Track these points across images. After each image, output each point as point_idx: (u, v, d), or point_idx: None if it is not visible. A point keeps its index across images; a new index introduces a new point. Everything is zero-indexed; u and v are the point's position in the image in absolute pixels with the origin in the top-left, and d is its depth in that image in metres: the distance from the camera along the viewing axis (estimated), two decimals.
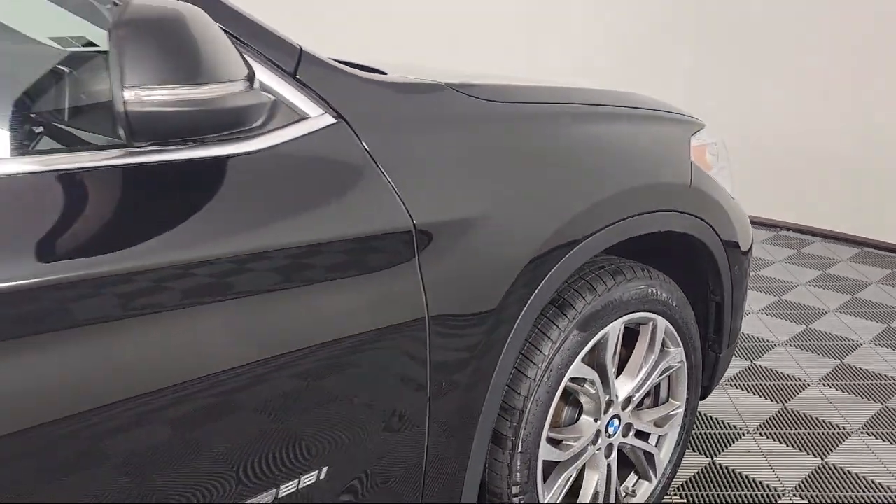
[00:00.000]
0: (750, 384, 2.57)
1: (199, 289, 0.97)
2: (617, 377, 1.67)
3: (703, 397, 2.01)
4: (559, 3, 4.83)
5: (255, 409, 1.04)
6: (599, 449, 1.67)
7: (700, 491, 2.01)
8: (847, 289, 3.41)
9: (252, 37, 1.04)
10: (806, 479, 2.05)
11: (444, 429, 1.31)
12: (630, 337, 1.70)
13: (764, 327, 3.01)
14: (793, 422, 2.33)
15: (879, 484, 2.03)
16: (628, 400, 1.70)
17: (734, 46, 4.27)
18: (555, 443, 1.57)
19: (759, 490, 2.01)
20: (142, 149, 0.94)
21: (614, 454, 1.72)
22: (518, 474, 1.49)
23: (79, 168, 0.93)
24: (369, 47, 3.54)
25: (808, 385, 2.56)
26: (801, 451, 2.18)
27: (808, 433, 2.27)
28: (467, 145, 1.32)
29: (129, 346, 0.90)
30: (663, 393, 1.84)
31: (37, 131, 1.30)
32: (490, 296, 1.31)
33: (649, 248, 1.75)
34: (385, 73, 1.34)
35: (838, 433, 2.27)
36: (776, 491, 2.01)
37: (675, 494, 2.00)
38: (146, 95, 0.83)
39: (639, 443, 1.77)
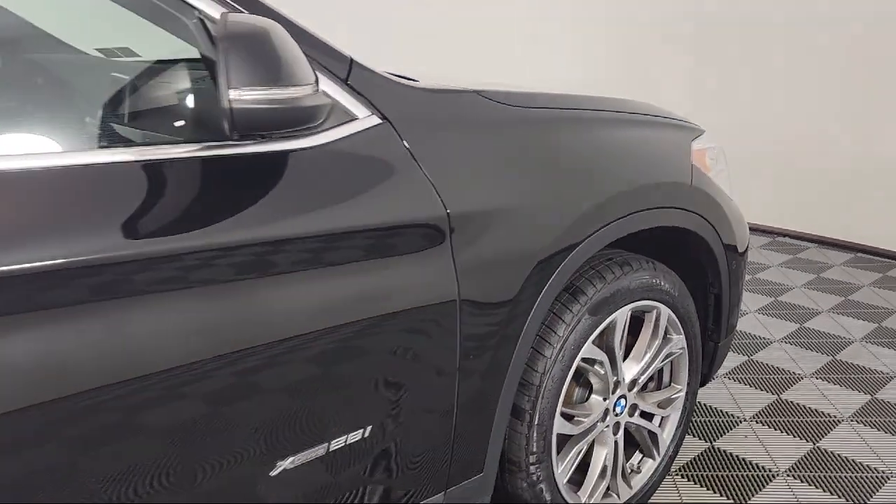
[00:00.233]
0: (747, 377, 2.72)
1: (268, 263, 1.13)
2: (624, 361, 1.82)
3: (702, 384, 2.15)
4: (562, 13, 5.00)
5: (314, 374, 1.20)
6: (608, 426, 1.82)
7: (700, 471, 2.16)
8: (840, 291, 3.56)
9: (312, 47, 1.20)
10: (798, 461, 2.20)
11: (471, 401, 1.46)
12: (636, 325, 1.86)
13: (761, 326, 3.16)
14: (787, 411, 2.48)
15: (867, 466, 2.17)
16: (634, 382, 1.85)
17: (732, 56, 4.45)
18: (568, 418, 1.72)
19: (754, 471, 2.16)
20: (223, 143, 1.10)
21: (621, 432, 1.87)
22: (535, 445, 1.64)
23: (169, 158, 1.09)
24: (368, 54, 3.69)
25: (802, 378, 2.71)
26: (794, 436, 2.33)
27: (801, 421, 2.42)
28: (492, 145, 1.48)
29: (219, 309, 1.06)
30: (666, 377, 2.00)
31: (107, 130, 1.47)
32: (512, 281, 1.47)
33: (653, 244, 1.90)
34: (417, 81, 1.50)
35: (829, 421, 2.42)
36: (770, 471, 2.16)
37: (677, 474, 2.14)
38: (245, 95, 1.00)
39: (643, 422, 1.92)
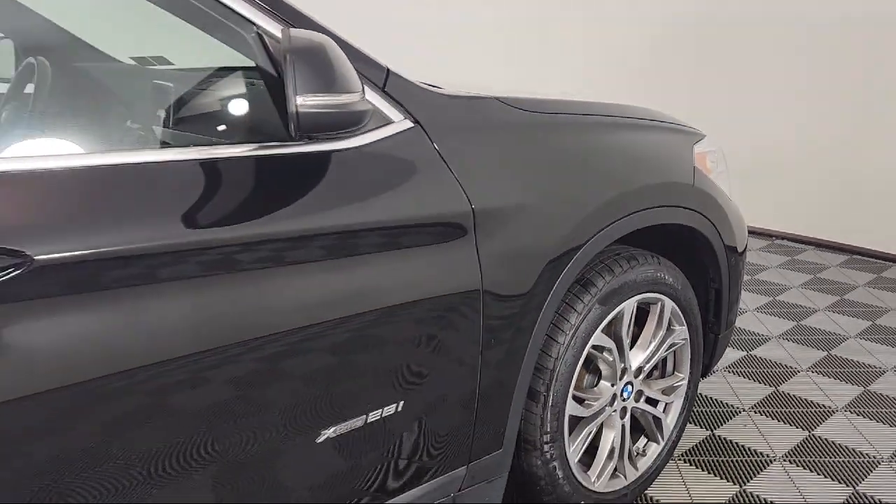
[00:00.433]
0: (746, 371, 2.85)
1: (315, 251, 1.26)
2: (630, 349, 1.95)
3: (704, 374, 2.28)
4: (565, 22, 5.15)
5: (354, 352, 1.33)
6: (615, 410, 1.95)
7: (702, 457, 2.29)
8: (836, 291, 3.70)
9: (354, 58, 1.33)
10: (795, 447, 2.33)
11: (491, 383, 1.59)
12: (641, 316, 1.99)
13: (759, 323, 3.29)
14: (784, 402, 2.61)
15: (859, 451, 2.30)
16: (640, 369, 1.98)
17: (731, 62, 4.59)
18: (579, 401, 1.85)
19: (753, 456, 2.29)
20: (274, 143, 1.24)
21: (628, 416, 2.00)
22: (549, 425, 1.77)
23: (228, 156, 1.23)
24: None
25: (798, 372, 2.84)
26: (790, 425, 2.46)
27: (798, 411, 2.55)
28: (511, 147, 1.62)
29: (276, 292, 1.20)
30: (669, 366, 2.13)
31: (153, 133, 1.61)
32: (529, 273, 1.60)
33: (657, 242, 2.03)
34: (441, 88, 1.64)
35: (824, 411, 2.55)
36: (768, 457, 2.28)
37: (680, 460, 2.27)
38: (309, 101, 1.13)
39: (649, 408, 2.05)
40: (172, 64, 2.38)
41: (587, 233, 1.69)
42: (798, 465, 2.24)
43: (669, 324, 2.03)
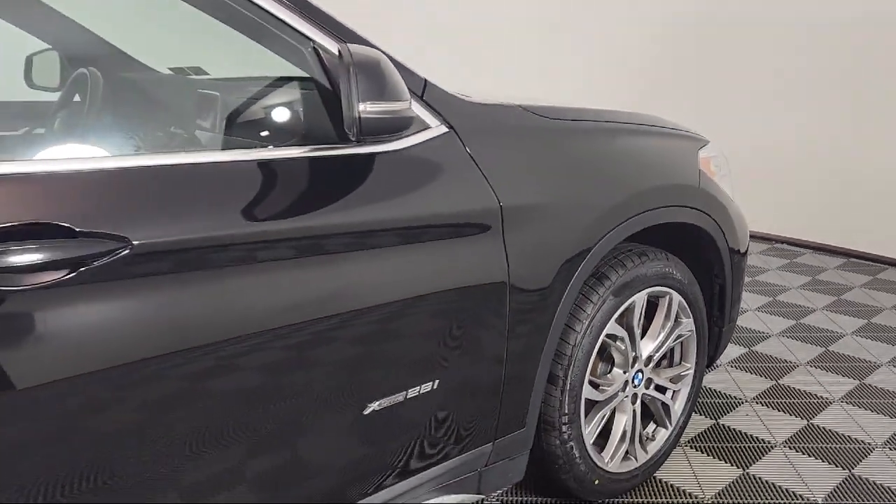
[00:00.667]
0: (748, 365, 2.99)
1: (363, 242, 1.41)
2: (641, 339, 2.10)
3: (709, 365, 2.43)
4: (566, 25, 5.31)
5: (396, 334, 1.48)
6: (627, 396, 2.10)
7: (707, 443, 2.43)
8: (833, 291, 3.85)
9: (398, 70, 1.48)
10: (794, 434, 2.47)
11: (516, 367, 1.74)
12: (651, 309, 2.14)
13: (760, 321, 3.44)
14: (784, 393, 2.76)
15: (854, 438, 2.45)
16: (650, 358, 2.12)
17: (730, 68, 4.75)
18: (594, 387, 2.00)
19: (755, 443, 2.43)
20: (327, 146, 1.39)
21: (639, 402, 2.14)
22: (567, 407, 1.91)
23: (287, 157, 1.38)
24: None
25: (798, 366, 2.98)
26: (790, 414, 2.60)
27: (797, 402, 2.69)
28: (533, 150, 1.77)
29: (326, 280, 1.35)
30: (677, 356, 2.27)
31: (205, 136, 1.76)
32: (550, 265, 1.75)
33: (665, 242, 2.18)
34: (470, 96, 1.79)
35: (822, 402, 2.69)
36: (769, 443, 2.43)
37: (687, 446, 2.41)
38: (370, 107, 1.28)
39: (658, 395, 2.19)
40: (208, 74, 2.53)
41: (603, 229, 1.84)
42: (797, 451, 2.38)
43: (677, 316, 2.17)
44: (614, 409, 2.09)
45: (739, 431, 2.50)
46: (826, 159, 4.48)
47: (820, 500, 2.13)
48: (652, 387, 2.17)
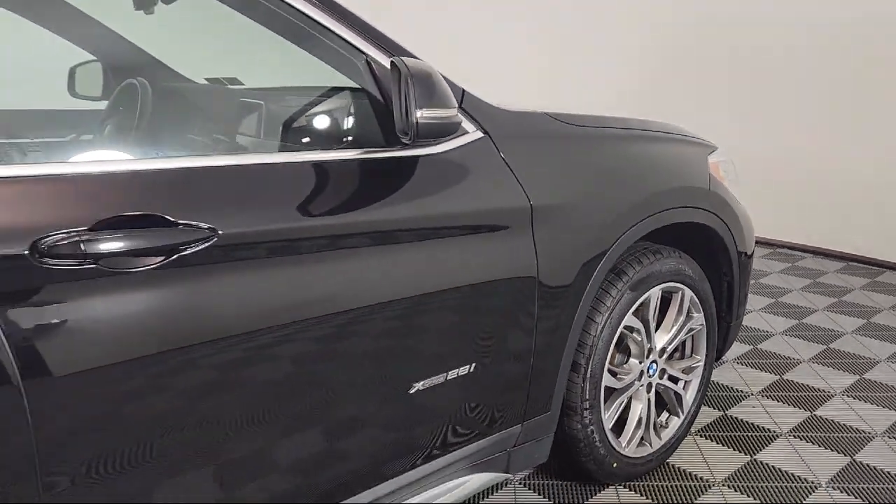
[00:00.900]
0: (753, 361, 3.14)
1: (411, 234, 1.56)
2: (655, 331, 2.25)
3: (717, 358, 2.57)
4: (566, 28, 5.48)
5: (440, 320, 1.63)
6: (642, 385, 2.24)
7: (716, 433, 2.57)
8: (834, 293, 4.00)
9: None
10: (798, 424, 2.62)
11: (542, 355, 1.88)
12: (664, 304, 2.28)
13: (764, 321, 3.59)
14: (788, 387, 2.90)
15: (854, 427, 2.59)
16: (663, 350, 2.27)
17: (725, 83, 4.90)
18: (612, 375, 2.14)
19: (761, 432, 2.57)
20: (376, 149, 1.55)
21: (653, 391, 2.28)
22: (588, 393, 2.06)
23: (339, 159, 1.54)
24: None
25: (801, 362, 3.13)
26: (794, 407, 2.75)
27: (800, 395, 2.84)
28: (559, 154, 1.92)
29: (378, 267, 1.51)
30: (688, 349, 2.42)
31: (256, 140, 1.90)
32: (574, 261, 1.90)
33: (678, 243, 2.33)
34: (501, 105, 1.94)
35: (824, 395, 2.84)
36: (774, 433, 2.57)
37: (697, 435, 2.55)
38: (426, 113, 1.44)
39: (670, 384, 2.34)
40: (243, 84, 2.68)
41: (621, 228, 1.99)
42: (801, 439, 2.52)
43: (688, 311, 2.32)
44: (630, 397, 2.23)
45: (746, 422, 2.64)
46: (826, 164, 4.59)
47: (823, 483, 2.27)
48: (665, 377, 2.31)
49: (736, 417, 2.68)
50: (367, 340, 1.52)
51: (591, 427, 2.10)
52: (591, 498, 2.21)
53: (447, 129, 1.51)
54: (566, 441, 2.11)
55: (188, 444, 1.31)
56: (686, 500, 2.20)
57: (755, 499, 2.19)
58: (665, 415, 2.40)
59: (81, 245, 1.13)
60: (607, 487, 2.25)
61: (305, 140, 1.76)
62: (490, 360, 1.76)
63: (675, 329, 2.29)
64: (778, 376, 3.00)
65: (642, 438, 2.29)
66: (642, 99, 5.16)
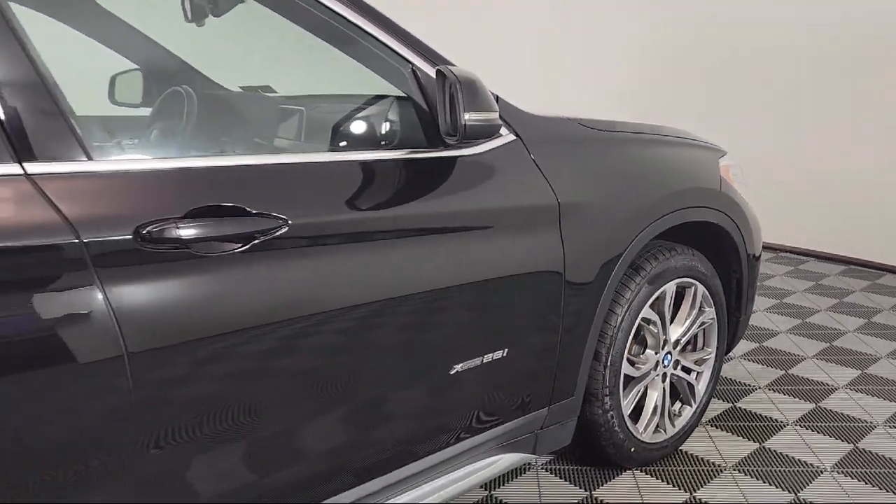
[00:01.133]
0: (760, 358, 3.28)
1: (451, 227, 1.70)
2: (670, 324, 2.39)
3: (727, 351, 2.71)
4: (568, 31, 5.61)
5: (477, 308, 1.77)
6: (658, 375, 2.38)
7: (726, 423, 2.71)
8: (836, 295, 4.14)
9: None
10: (804, 415, 2.75)
11: (569, 341, 2.02)
12: (678, 299, 2.42)
13: (769, 321, 3.73)
14: (793, 381, 3.04)
15: (857, 418, 2.73)
16: (677, 342, 2.41)
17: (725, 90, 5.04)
18: (631, 364, 2.28)
19: (769, 422, 2.71)
20: (419, 149, 1.70)
21: (668, 381, 2.42)
22: (608, 380, 2.20)
23: (385, 158, 1.68)
24: None
25: (805, 359, 3.27)
26: (800, 399, 2.89)
27: (805, 388, 2.97)
28: (584, 156, 2.07)
29: (410, 256, 1.64)
30: (700, 341, 2.56)
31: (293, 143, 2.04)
32: (596, 256, 2.04)
33: (689, 240, 2.47)
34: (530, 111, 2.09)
35: (827, 388, 2.97)
36: (781, 423, 2.71)
37: (708, 425, 2.69)
38: (472, 116, 1.58)
39: (684, 375, 2.48)
40: (276, 92, 2.83)
41: (640, 225, 2.14)
42: (807, 429, 2.66)
43: (701, 305, 2.46)
44: (647, 386, 2.37)
45: (754, 413, 2.78)
46: (826, 164, 4.70)
47: (829, 468, 2.40)
48: (679, 368, 2.45)
49: (744, 409, 2.81)
50: (416, 323, 1.66)
51: (611, 412, 2.23)
52: (610, 481, 2.34)
53: (490, 131, 1.65)
54: (588, 425, 2.24)
55: (262, 410, 1.45)
56: (700, 482, 2.33)
57: (765, 482, 2.33)
58: (678, 404, 2.54)
59: (176, 231, 1.27)
60: (624, 472, 2.39)
61: (355, 141, 1.91)
62: (521, 347, 1.90)
63: (688, 322, 2.43)
64: (784, 371, 3.14)
65: (657, 425, 2.42)
66: (642, 99, 5.28)
